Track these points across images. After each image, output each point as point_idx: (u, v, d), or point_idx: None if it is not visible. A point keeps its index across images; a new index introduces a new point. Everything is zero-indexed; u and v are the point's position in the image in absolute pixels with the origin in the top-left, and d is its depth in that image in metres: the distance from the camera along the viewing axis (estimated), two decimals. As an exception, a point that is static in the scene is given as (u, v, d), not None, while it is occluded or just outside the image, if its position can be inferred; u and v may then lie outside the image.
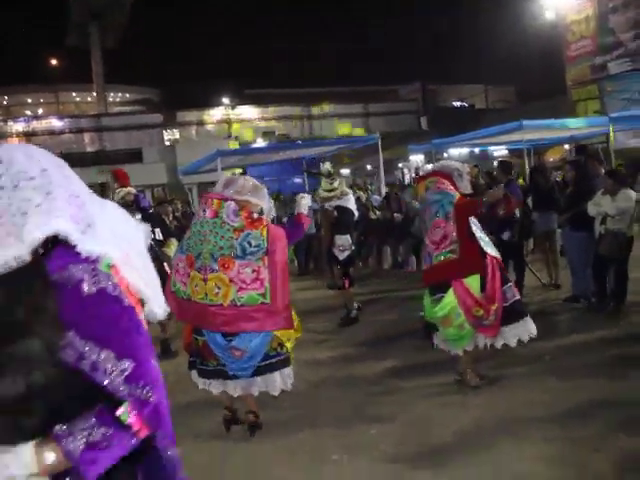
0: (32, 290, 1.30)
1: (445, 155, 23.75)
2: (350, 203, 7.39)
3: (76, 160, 30.56)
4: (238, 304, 3.91)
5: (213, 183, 15.45)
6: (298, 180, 23.43)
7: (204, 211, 4.06)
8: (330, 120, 36.82)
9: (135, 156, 30.53)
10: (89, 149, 33.33)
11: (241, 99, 37.81)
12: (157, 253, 6.35)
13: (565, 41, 24.84)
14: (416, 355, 5.93)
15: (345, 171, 30.33)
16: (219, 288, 3.92)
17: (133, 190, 6.77)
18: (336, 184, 7.31)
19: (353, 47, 43.81)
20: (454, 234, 4.63)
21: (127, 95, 45.53)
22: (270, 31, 43.91)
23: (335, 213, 7.24)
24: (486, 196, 4.90)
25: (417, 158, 28.33)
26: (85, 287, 1.33)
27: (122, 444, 1.32)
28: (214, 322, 3.95)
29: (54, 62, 40.41)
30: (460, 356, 4.89)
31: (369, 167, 31.09)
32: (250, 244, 3.96)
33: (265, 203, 4.23)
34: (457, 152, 23.37)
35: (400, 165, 31.39)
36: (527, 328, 4.78)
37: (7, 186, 1.33)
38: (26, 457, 1.21)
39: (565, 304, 7.44)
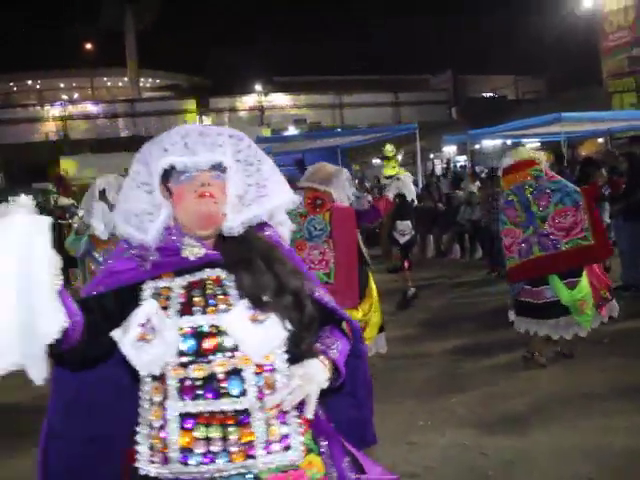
0: (267, 242, 1.63)
1: (477, 147, 23.84)
2: (408, 188, 7.66)
3: (110, 145, 31.21)
4: None
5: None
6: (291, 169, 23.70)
7: None
8: (361, 109, 36.95)
9: (169, 142, 30.96)
10: (123, 134, 33.85)
11: (272, 86, 38.08)
12: None
13: (602, 31, 24.67)
14: (476, 336, 6.25)
15: (376, 161, 30.54)
16: None
17: None
18: (397, 169, 7.57)
19: (384, 35, 43.75)
20: (585, 221, 4.86)
21: (157, 81, 46.01)
22: (301, 16, 44.05)
23: (396, 200, 7.53)
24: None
25: (449, 149, 28.42)
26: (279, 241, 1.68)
27: (346, 349, 1.65)
28: None
29: (88, 46, 40.92)
30: (534, 336, 5.14)
31: (399, 157, 31.26)
32: (315, 228, 4.33)
33: (337, 190, 4.51)
34: (491, 143, 23.44)
35: (432, 156, 31.39)
36: (614, 308, 5.12)
37: (254, 162, 1.62)
38: (322, 368, 1.54)
39: (616, 292, 7.66)
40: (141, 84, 40.64)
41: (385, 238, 8.89)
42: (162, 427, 1.45)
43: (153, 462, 1.46)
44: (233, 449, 1.44)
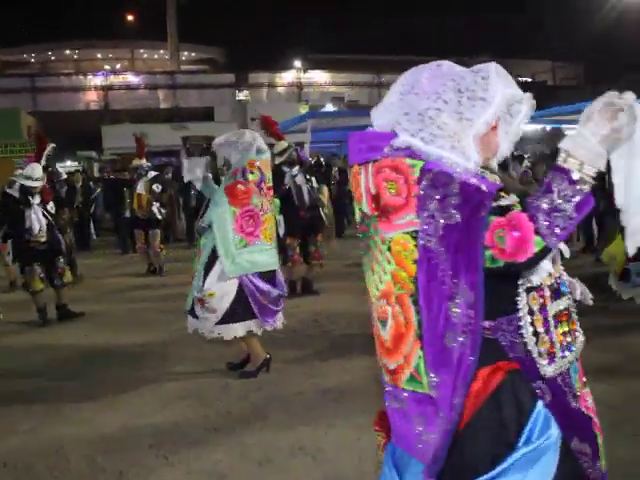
0: None
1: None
2: None
3: (150, 116, 31.60)
4: None
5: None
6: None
7: None
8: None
9: (207, 114, 31.25)
10: (163, 106, 34.23)
11: (311, 63, 38.09)
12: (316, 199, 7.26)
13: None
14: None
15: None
16: None
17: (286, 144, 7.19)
18: None
19: (419, 17, 43.42)
20: None
21: (195, 54, 46.29)
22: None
23: None
24: None
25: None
26: None
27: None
28: None
29: (130, 18, 41.29)
30: None
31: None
32: None
33: None
34: (531, 128, 23.30)
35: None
36: None
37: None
38: None
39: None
40: (183, 57, 40.93)
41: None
42: (546, 331, 1.64)
43: (544, 364, 1.64)
44: (572, 338, 1.69)
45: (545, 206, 1.45)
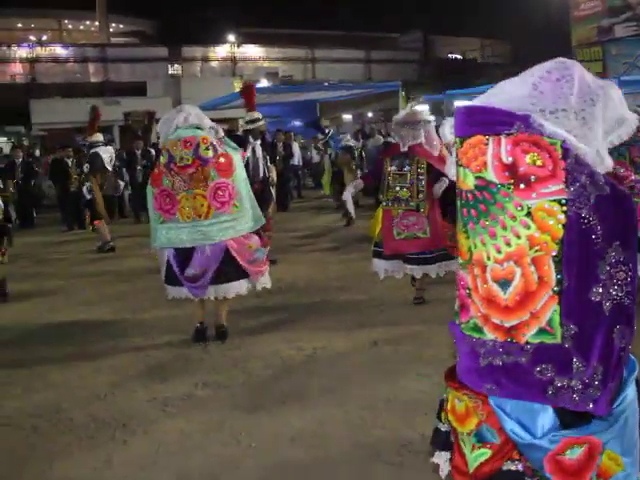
0: None
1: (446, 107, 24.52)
2: None
3: (80, 90, 30.73)
4: None
5: (226, 120, 15.91)
6: (298, 123, 24.01)
7: None
8: (333, 65, 37.10)
9: (139, 89, 30.64)
10: (93, 79, 33.31)
11: (244, 37, 37.82)
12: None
13: (574, 0, 25.37)
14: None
15: (347, 117, 30.93)
16: None
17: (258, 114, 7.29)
18: None
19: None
20: None
21: (124, 26, 44.93)
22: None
23: None
24: None
25: (421, 108, 28.81)
26: None
27: None
28: None
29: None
30: None
31: (370, 114, 31.69)
32: None
33: None
34: (463, 104, 24.15)
35: (402, 114, 31.81)
36: None
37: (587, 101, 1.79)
38: None
39: None
40: (111, 29, 39.75)
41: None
42: None
43: None
44: None
45: None
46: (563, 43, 26.61)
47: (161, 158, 4.99)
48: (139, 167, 12.92)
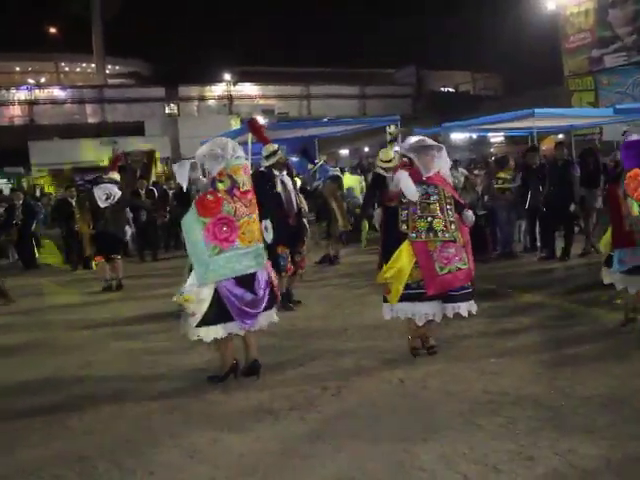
0: None
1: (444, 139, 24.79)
2: None
3: (78, 130, 30.97)
4: None
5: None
6: (295, 159, 24.19)
7: None
8: (328, 100, 37.53)
9: (137, 129, 30.92)
10: (91, 120, 33.59)
11: (240, 76, 38.30)
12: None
13: (564, 32, 25.78)
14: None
15: (344, 152, 31.18)
16: None
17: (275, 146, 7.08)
18: (392, 153, 7.71)
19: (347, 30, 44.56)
20: None
21: (117, 67, 45.49)
22: (267, 8, 44.30)
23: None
24: None
25: (396, 148, 29.15)
26: None
27: None
28: None
29: (53, 31, 40.22)
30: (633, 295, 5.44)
31: (367, 149, 31.95)
32: None
33: None
34: (460, 137, 24.38)
35: (397, 149, 32.10)
36: None
37: None
38: None
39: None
40: (107, 71, 40.24)
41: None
42: None
43: None
44: None
45: None
46: (554, 74, 27.04)
47: (219, 185, 4.76)
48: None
